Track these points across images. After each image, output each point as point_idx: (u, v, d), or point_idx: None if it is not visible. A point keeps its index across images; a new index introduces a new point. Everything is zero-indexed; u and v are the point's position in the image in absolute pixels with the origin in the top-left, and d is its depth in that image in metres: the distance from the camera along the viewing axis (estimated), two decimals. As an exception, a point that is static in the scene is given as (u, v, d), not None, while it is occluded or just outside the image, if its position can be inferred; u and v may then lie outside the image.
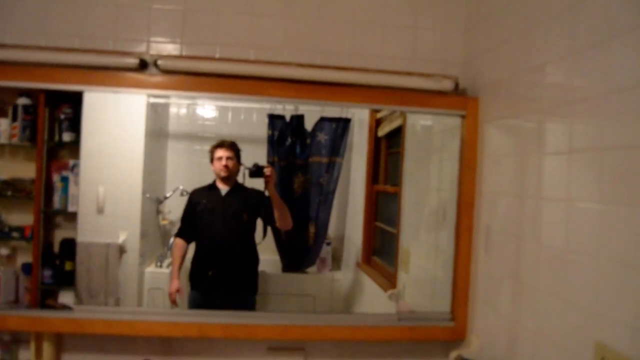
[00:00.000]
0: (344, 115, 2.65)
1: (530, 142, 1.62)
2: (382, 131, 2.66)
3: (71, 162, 2.00)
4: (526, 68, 1.65)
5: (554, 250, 1.46)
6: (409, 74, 2.03)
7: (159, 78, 1.92)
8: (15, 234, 2.00)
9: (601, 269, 1.25)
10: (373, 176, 2.75)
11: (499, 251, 1.81)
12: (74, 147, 1.98)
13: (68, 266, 1.99)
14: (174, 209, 2.64)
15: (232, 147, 2.41)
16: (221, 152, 2.39)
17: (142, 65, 1.94)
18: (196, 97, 2.30)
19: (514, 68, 1.73)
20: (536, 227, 1.56)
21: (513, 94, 1.75)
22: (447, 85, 2.02)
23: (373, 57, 2.08)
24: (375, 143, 2.75)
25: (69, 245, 1.99)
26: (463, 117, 2.02)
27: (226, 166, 2.37)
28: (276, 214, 2.34)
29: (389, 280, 2.40)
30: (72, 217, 1.99)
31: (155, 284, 2.44)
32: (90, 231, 2.01)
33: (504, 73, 1.82)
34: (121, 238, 2.09)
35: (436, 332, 2.04)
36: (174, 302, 2.33)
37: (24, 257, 2.02)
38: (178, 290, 2.34)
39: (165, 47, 2.03)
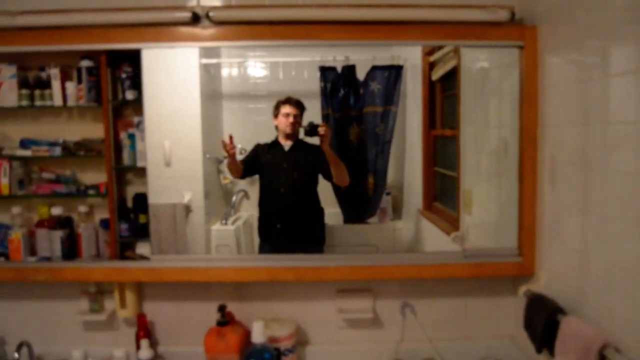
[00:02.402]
0: (395, 62, 2.61)
1: (594, 67, 1.56)
2: (436, 74, 2.60)
3: (136, 119, 2.07)
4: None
5: (625, 174, 1.41)
6: (463, 6, 1.97)
7: (211, 30, 1.95)
8: (91, 192, 2.10)
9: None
10: (429, 121, 2.71)
11: (565, 182, 1.76)
12: (137, 104, 2.04)
13: (142, 219, 2.08)
14: (234, 167, 2.69)
15: (299, 105, 2.42)
16: (288, 109, 2.41)
17: (195, 19, 1.97)
18: (249, 46, 2.31)
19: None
20: (604, 153, 1.51)
21: (574, 19, 1.68)
22: (503, 15, 1.94)
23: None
24: (430, 87, 2.70)
25: (141, 199, 2.08)
26: (521, 47, 1.96)
27: (293, 123, 2.39)
28: (333, 172, 2.34)
29: (452, 224, 2.37)
30: (142, 172, 2.07)
31: (222, 241, 2.50)
32: (158, 189, 2.08)
33: (562, -2, 1.75)
34: (186, 198, 2.15)
35: (503, 268, 2.03)
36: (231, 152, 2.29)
37: (101, 213, 2.13)
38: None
39: (214, 1, 2.06)
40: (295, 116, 2.39)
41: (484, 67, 2.24)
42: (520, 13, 2.00)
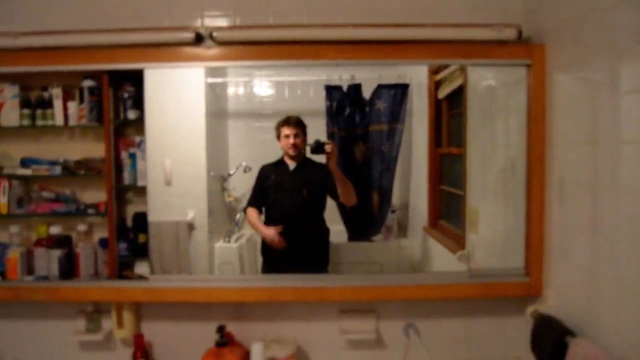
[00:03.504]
0: (401, 81, 2.60)
1: (603, 85, 1.53)
2: (443, 92, 2.58)
3: (137, 138, 2.07)
4: (594, 9, 1.56)
5: (636, 194, 1.37)
6: (469, 25, 1.96)
7: (215, 50, 1.95)
8: (90, 211, 2.09)
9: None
10: (436, 139, 2.69)
11: (574, 203, 1.73)
12: (139, 124, 2.04)
13: (142, 239, 2.07)
14: (238, 185, 2.68)
15: (299, 124, 2.40)
16: (288, 130, 2.39)
17: (198, 39, 1.97)
18: (254, 67, 2.32)
19: (582, 10, 1.64)
20: (614, 174, 1.48)
21: (582, 37, 1.66)
22: (510, 34, 1.93)
23: (430, 12, 2.03)
24: (436, 106, 2.68)
25: (141, 219, 2.07)
26: (529, 66, 1.94)
27: (294, 144, 2.37)
28: (339, 190, 2.32)
29: (457, 243, 2.33)
30: (142, 191, 2.06)
31: (225, 259, 2.48)
32: (159, 207, 2.07)
33: (570, 17, 1.73)
34: (190, 215, 2.13)
35: (510, 289, 1.99)
36: (280, 243, 2.32)
37: (100, 232, 2.11)
38: (276, 233, 2.33)
39: (218, 21, 2.05)
40: (295, 136, 2.37)
41: (490, 85, 2.21)
42: (528, 31, 1.98)
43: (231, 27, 2.04)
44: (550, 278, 1.91)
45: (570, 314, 1.71)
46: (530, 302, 1.96)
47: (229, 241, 2.62)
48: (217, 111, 2.64)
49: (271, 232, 2.32)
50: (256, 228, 2.41)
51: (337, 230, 2.61)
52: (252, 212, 2.44)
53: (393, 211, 2.74)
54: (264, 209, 2.45)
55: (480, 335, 2.15)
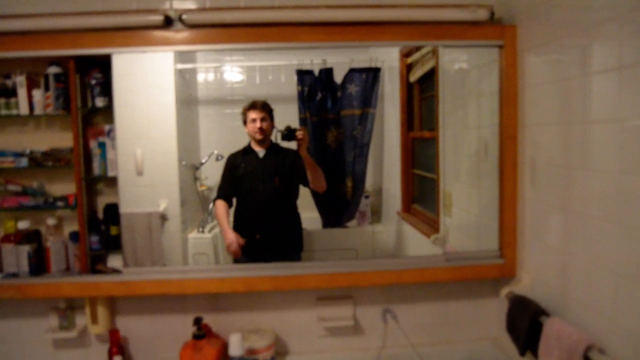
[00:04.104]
0: (373, 64, 2.59)
1: (574, 65, 1.55)
2: (414, 76, 2.59)
3: (106, 127, 2.01)
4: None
5: (607, 174, 1.40)
6: (441, 6, 1.95)
7: (185, 33, 1.90)
8: (60, 204, 2.03)
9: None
10: (408, 123, 2.69)
11: (546, 183, 1.76)
12: (108, 112, 1.98)
13: (114, 231, 2.02)
14: (211, 175, 2.64)
15: (265, 107, 2.35)
16: (254, 114, 2.34)
17: (168, 22, 1.92)
18: (224, 50, 2.26)
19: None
20: (585, 153, 1.51)
21: (553, 17, 1.68)
22: (482, 14, 1.94)
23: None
24: (408, 89, 2.68)
25: (113, 211, 2.01)
26: (501, 47, 1.95)
27: (260, 128, 2.33)
28: (309, 177, 2.30)
29: (431, 227, 2.36)
30: (113, 182, 2.00)
31: (199, 249, 2.45)
32: (131, 198, 2.02)
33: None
34: (162, 206, 2.09)
35: (485, 271, 2.02)
36: (236, 253, 2.28)
37: (71, 226, 2.06)
38: (237, 242, 2.28)
39: (187, 3, 2.00)
40: (262, 120, 2.33)
41: (462, 67, 2.22)
42: (500, 12, 1.99)
43: (201, 9, 1.99)
44: (524, 259, 1.94)
45: (544, 294, 1.75)
46: (505, 283, 1.99)
47: (202, 231, 2.59)
48: (187, 98, 2.59)
49: (232, 239, 2.27)
50: (221, 226, 2.35)
51: (311, 217, 2.60)
52: (220, 205, 2.39)
53: (367, 196, 2.75)
54: (235, 199, 2.41)
55: (456, 317, 2.18)
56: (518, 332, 1.75)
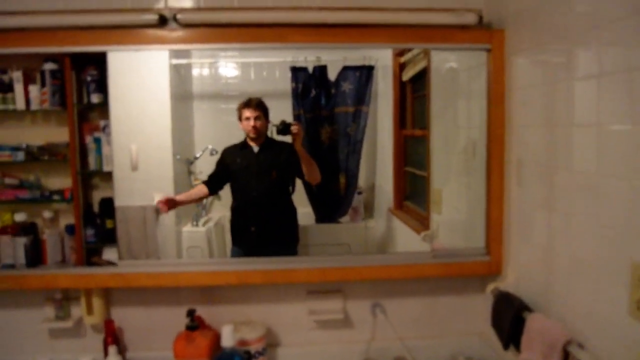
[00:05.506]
0: (367, 62, 2.61)
1: (559, 70, 1.59)
2: (407, 75, 2.62)
3: (102, 122, 2.04)
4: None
5: (586, 175, 1.45)
6: (431, 10, 1.98)
7: (179, 32, 1.92)
8: (56, 197, 2.06)
9: (635, 188, 1.24)
10: (400, 121, 2.72)
11: (531, 183, 1.79)
12: (103, 108, 2.01)
13: (109, 224, 2.06)
14: (205, 169, 2.66)
15: (260, 106, 2.38)
16: (248, 112, 2.37)
17: (162, 21, 1.94)
18: (218, 49, 2.29)
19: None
20: (568, 155, 1.55)
21: (539, 23, 1.71)
22: (471, 18, 1.97)
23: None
24: (401, 88, 2.71)
25: (108, 204, 2.05)
26: (488, 50, 1.98)
27: (255, 127, 2.36)
28: (304, 169, 2.33)
29: (422, 223, 2.39)
30: (108, 176, 2.04)
31: (193, 243, 2.48)
32: (126, 192, 2.06)
33: (529, 3, 1.77)
34: (156, 200, 2.12)
35: (472, 268, 2.06)
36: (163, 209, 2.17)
37: (67, 219, 2.09)
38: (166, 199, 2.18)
39: (182, 3, 2.02)
40: (256, 118, 2.36)
41: (453, 68, 2.25)
42: (488, 16, 2.02)
43: (195, 9, 2.01)
44: (510, 256, 1.98)
45: (528, 291, 1.79)
46: (491, 280, 2.03)
47: (196, 225, 2.62)
48: (182, 93, 2.61)
49: (166, 196, 2.18)
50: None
51: (305, 212, 2.64)
52: (199, 187, 2.42)
53: (359, 193, 2.78)
54: (231, 197, 2.43)
55: (444, 312, 2.22)
56: (502, 327, 1.79)
